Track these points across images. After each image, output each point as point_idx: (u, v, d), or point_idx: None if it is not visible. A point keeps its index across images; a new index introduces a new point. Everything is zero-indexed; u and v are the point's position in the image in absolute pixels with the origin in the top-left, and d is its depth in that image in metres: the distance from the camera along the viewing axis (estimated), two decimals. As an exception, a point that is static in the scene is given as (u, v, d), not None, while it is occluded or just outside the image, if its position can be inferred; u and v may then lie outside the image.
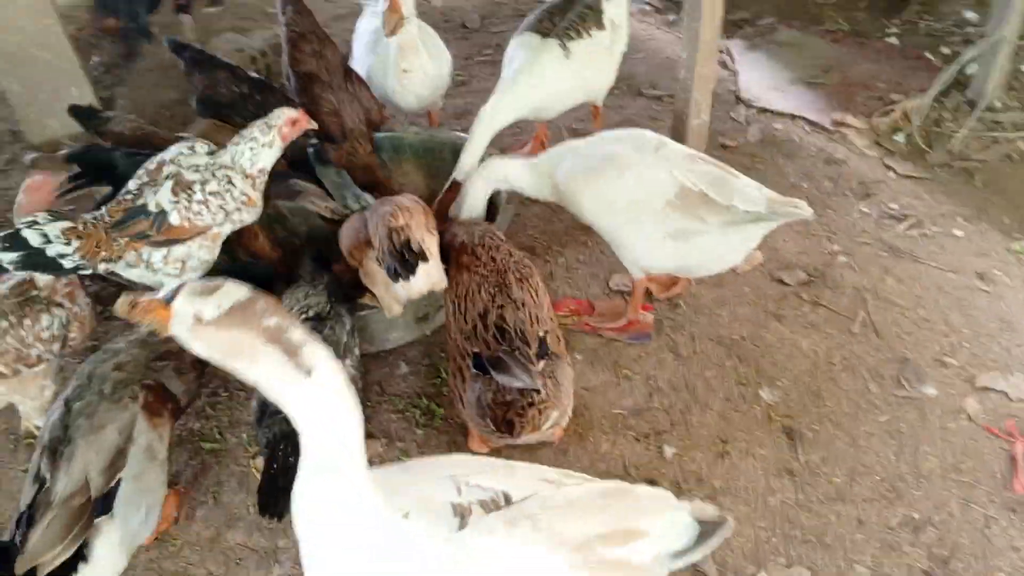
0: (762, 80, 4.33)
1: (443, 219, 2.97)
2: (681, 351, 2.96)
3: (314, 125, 2.62)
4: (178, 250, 2.48)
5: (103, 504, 2.07)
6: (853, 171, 3.74)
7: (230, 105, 3.17)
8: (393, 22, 3.04)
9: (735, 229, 2.62)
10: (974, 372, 2.82)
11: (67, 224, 2.35)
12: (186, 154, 2.55)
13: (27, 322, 2.46)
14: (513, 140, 4.05)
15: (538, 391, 2.26)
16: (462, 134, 3.43)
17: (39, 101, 4.26)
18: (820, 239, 3.39)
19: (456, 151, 3.31)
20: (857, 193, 3.63)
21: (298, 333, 1.42)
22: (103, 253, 2.39)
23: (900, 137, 3.89)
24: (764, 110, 4.14)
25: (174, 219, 2.43)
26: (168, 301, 1.47)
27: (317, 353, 1.42)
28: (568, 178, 2.77)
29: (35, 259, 2.31)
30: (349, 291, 2.68)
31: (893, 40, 4.61)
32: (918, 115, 3.88)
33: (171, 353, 2.40)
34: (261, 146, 2.51)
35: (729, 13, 4.77)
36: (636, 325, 3.04)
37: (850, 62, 4.42)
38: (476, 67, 4.68)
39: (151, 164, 2.53)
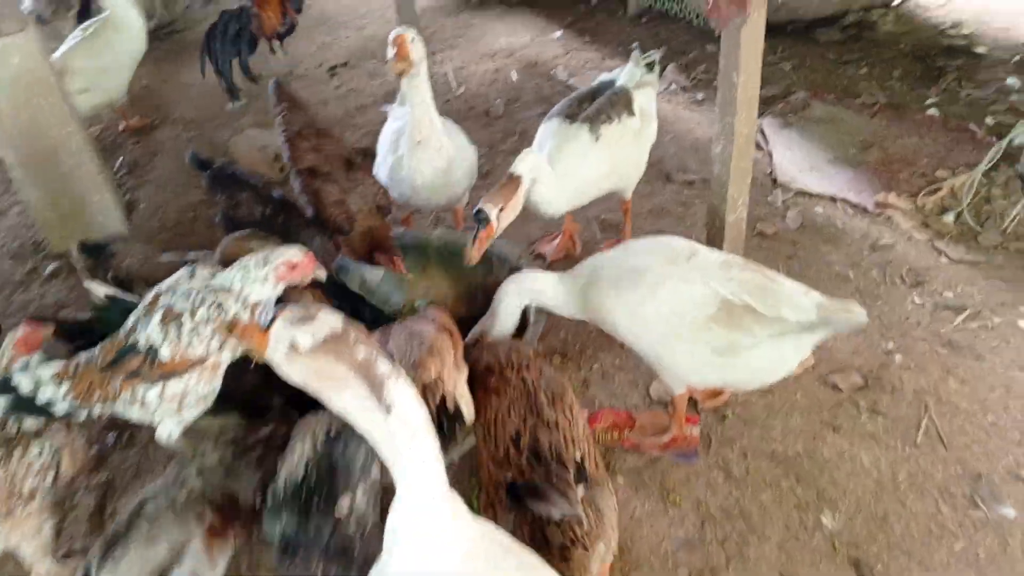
0: (798, 160, 4.16)
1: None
2: (733, 470, 2.75)
3: (321, 275, 2.45)
4: (173, 386, 2.33)
5: None
6: (902, 257, 3.54)
7: (253, 225, 3.06)
8: (400, 68, 2.96)
9: (787, 339, 2.44)
10: (1056, 488, 2.59)
11: (58, 367, 2.23)
12: (183, 280, 2.41)
13: (16, 453, 2.33)
14: (542, 233, 3.92)
15: (580, 522, 2.07)
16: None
17: (61, 209, 4.21)
18: (873, 336, 3.18)
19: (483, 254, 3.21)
20: (908, 281, 3.42)
21: (385, 366, 1.49)
22: (98, 394, 2.26)
23: (949, 217, 3.69)
24: (802, 193, 3.97)
25: (165, 353, 2.27)
26: (266, 328, 1.55)
27: (400, 389, 1.49)
28: (600, 296, 2.60)
29: (24, 405, 2.20)
30: None
31: (933, 111, 4.44)
32: (967, 193, 3.69)
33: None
34: (252, 280, 2.32)
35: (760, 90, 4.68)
36: (682, 441, 2.85)
37: (890, 137, 4.25)
38: (500, 156, 4.57)
39: (149, 295, 2.40)
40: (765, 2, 2.70)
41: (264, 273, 2.33)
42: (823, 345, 3.07)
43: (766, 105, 4.64)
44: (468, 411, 2.31)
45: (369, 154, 3.95)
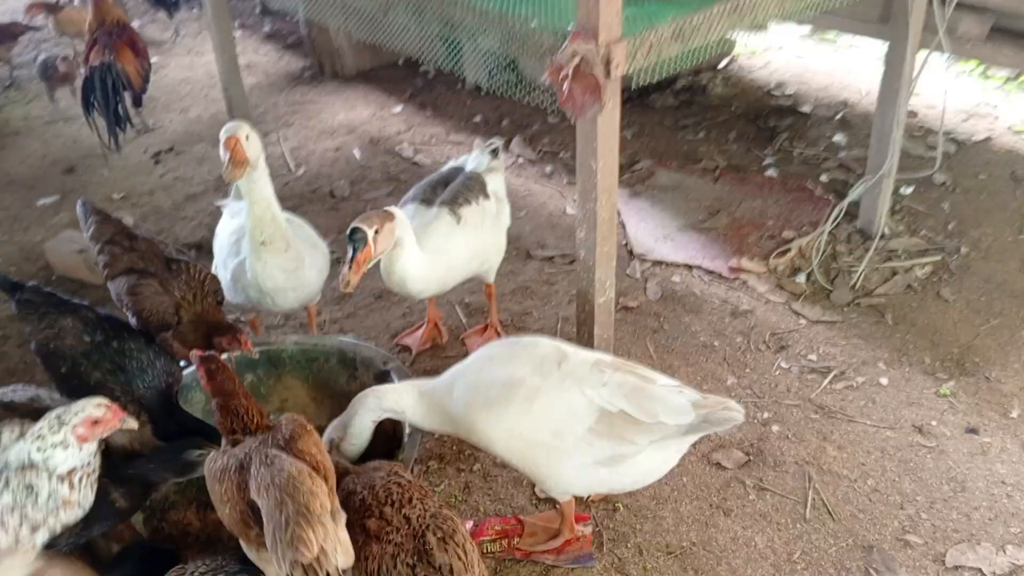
0: (651, 230, 4.19)
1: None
2: (630, 571, 2.62)
3: (131, 425, 2.13)
4: None
5: None
6: (763, 321, 3.59)
7: (82, 357, 2.66)
8: (237, 173, 2.74)
9: (668, 443, 2.35)
10: (941, 549, 2.61)
11: None
12: None
13: None
14: (404, 323, 3.72)
15: None
16: (346, 339, 3.09)
17: None
18: (747, 406, 3.17)
19: (344, 359, 2.98)
20: (772, 347, 3.46)
21: None
22: None
23: (801, 278, 3.79)
24: (659, 262, 3.98)
25: None
26: None
27: None
28: (468, 411, 2.40)
29: None
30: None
31: (772, 172, 4.61)
32: (815, 253, 3.80)
33: None
34: (51, 446, 1.98)
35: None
36: (574, 544, 2.68)
37: (735, 200, 4.36)
38: (350, 241, 4.34)
39: None
40: (619, 91, 2.65)
41: (61, 438, 1.99)
42: None
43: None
44: (346, 560, 2.04)
45: (201, 248, 3.61)
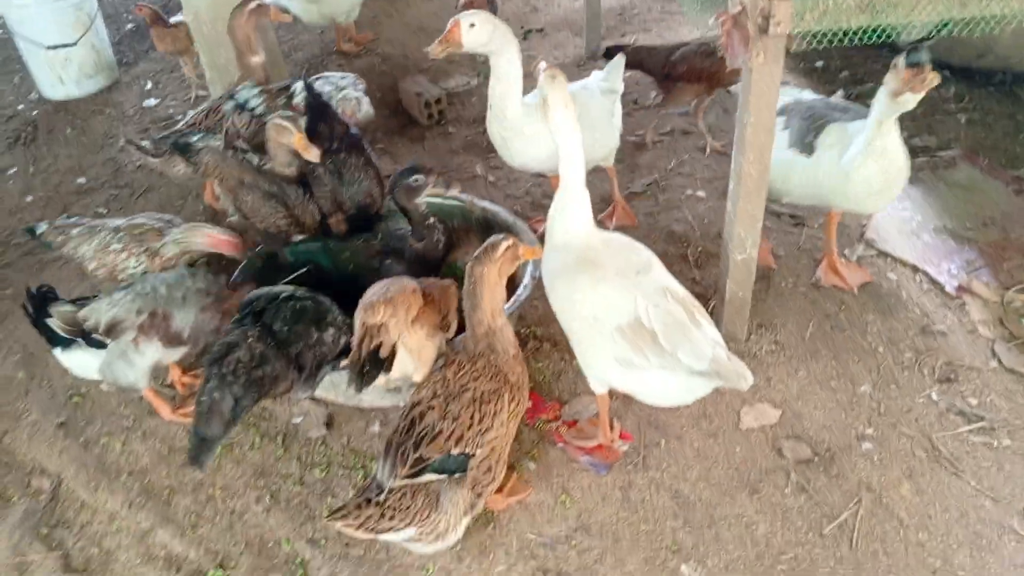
0: (902, 219, 3.84)
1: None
2: (631, 495, 2.80)
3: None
4: None
5: None
6: (949, 348, 3.23)
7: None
8: (438, 48, 3.25)
9: (674, 375, 2.47)
10: (943, 628, 2.38)
11: None
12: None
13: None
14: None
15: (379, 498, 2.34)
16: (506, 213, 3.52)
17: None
18: (859, 416, 2.99)
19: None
20: (938, 375, 3.13)
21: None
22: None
23: (1030, 322, 3.29)
24: (884, 254, 3.68)
25: None
26: None
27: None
28: (548, 273, 2.76)
29: None
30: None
31: (1092, 204, 3.86)
32: (1062, 302, 3.25)
33: None
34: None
35: (916, 136, 4.33)
36: (602, 451, 2.93)
37: (1022, 221, 3.78)
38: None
39: None
40: (781, 49, 2.60)
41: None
42: (799, 409, 3.02)
43: (912, 154, 4.27)
44: (419, 374, 2.61)
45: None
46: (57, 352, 3.02)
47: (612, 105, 3.77)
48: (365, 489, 2.39)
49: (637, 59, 4.28)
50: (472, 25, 3.25)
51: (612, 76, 3.83)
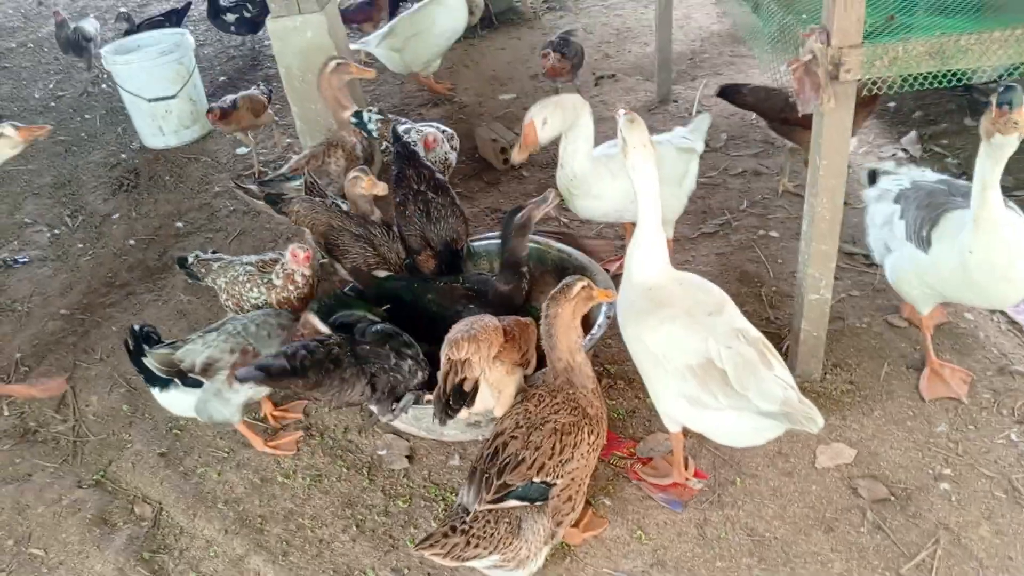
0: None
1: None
2: (707, 532, 2.85)
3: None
4: None
5: None
6: (1030, 390, 3.21)
7: (410, 192, 3.76)
8: (520, 154, 3.40)
9: (745, 416, 2.53)
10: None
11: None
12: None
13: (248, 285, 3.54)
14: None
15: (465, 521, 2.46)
16: (580, 255, 3.67)
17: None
18: (935, 456, 2.99)
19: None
20: (1018, 416, 3.11)
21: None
22: None
23: (1118, 366, 3.23)
24: (962, 294, 3.66)
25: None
26: None
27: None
28: (622, 311, 2.88)
29: None
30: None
31: None
32: None
33: None
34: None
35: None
36: (677, 489, 2.99)
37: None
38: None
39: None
40: (852, 95, 2.68)
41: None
42: (875, 448, 3.03)
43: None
44: (500, 409, 2.76)
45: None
46: (155, 392, 3.24)
47: (687, 165, 3.75)
48: (450, 516, 2.51)
49: (754, 99, 4.36)
50: (545, 121, 3.42)
51: (695, 134, 3.84)
